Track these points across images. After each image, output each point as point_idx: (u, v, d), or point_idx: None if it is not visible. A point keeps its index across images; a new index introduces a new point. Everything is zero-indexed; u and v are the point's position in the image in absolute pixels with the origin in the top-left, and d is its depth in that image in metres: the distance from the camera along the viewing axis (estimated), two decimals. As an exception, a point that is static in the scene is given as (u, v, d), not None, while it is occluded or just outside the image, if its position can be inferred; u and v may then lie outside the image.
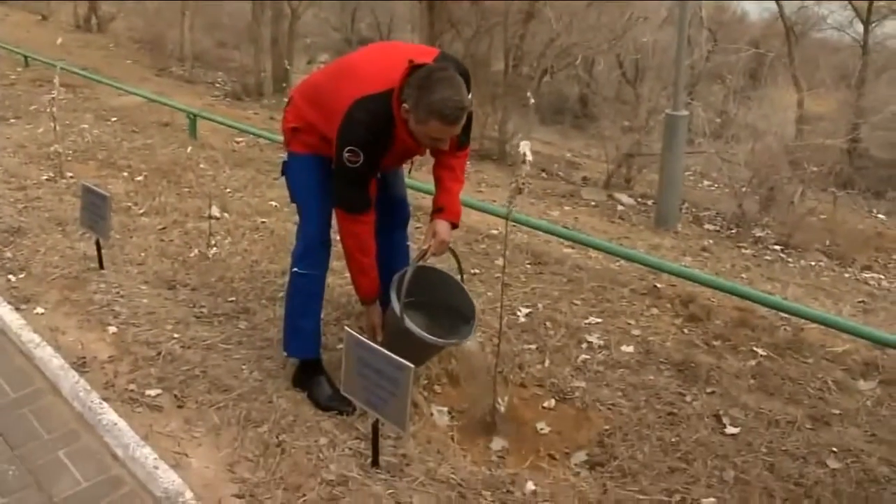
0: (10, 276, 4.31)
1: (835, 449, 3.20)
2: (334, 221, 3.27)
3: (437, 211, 3.25)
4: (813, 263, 7.02)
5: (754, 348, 3.98)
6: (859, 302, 5.41)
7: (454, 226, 3.28)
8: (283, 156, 3.38)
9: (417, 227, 5.00)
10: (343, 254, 3.28)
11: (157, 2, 17.50)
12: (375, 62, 3.12)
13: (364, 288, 3.29)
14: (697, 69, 12.91)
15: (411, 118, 2.90)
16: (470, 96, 3.00)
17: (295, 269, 3.34)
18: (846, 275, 6.81)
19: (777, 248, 7.39)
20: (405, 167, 3.56)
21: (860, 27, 14.67)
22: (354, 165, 2.97)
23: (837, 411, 3.48)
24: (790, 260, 7.04)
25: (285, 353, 3.48)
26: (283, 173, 3.40)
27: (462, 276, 3.45)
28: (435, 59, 3.01)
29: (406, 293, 3.09)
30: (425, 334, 3.09)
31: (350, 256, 3.23)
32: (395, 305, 3.09)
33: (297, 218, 3.38)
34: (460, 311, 3.33)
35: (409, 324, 3.07)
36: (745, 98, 11.39)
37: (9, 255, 4.57)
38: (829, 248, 7.78)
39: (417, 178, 5.15)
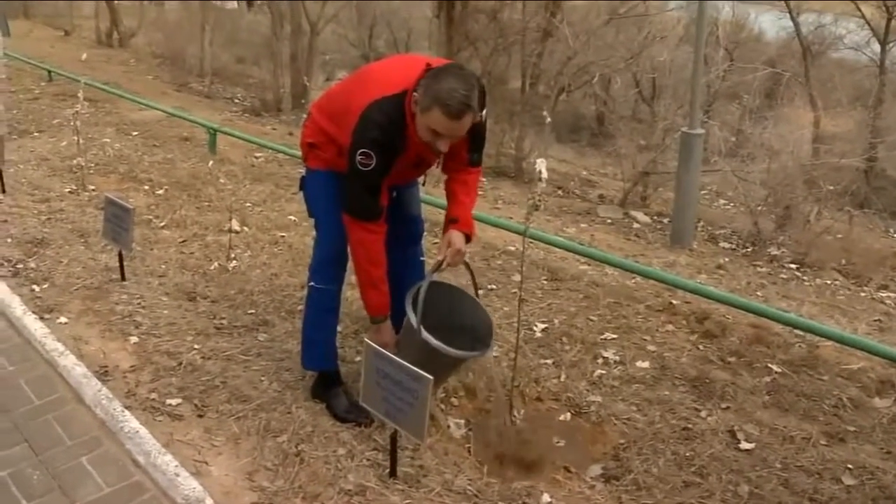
0: (34, 287, 4.39)
1: (850, 465, 3.21)
2: None
3: (452, 222, 3.23)
4: (829, 282, 7.00)
5: (769, 365, 3.99)
6: (875, 321, 5.39)
7: (468, 238, 3.24)
8: (302, 171, 3.43)
9: (435, 243, 5.03)
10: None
11: (178, 17, 17.71)
12: (392, 69, 3.11)
13: (374, 303, 3.19)
14: (714, 88, 12.92)
15: (418, 110, 2.86)
16: (484, 113, 3.01)
17: (311, 284, 3.36)
18: (862, 294, 6.79)
19: (792, 266, 7.37)
20: (420, 181, 3.56)
21: (877, 47, 14.63)
22: (367, 168, 2.92)
23: (853, 428, 3.49)
24: (805, 278, 7.03)
25: (305, 363, 3.52)
26: (301, 188, 3.42)
27: (477, 292, 3.42)
28: None
29: (421, 312, 3.01)
30: (443, 346, 3.01)
31: (359, 267, 3.14)
32: (412, 318, 3.03)
33: (315, 232, 3.42)
34: (476, 330, 3.26)
35: (427, 335, 2.99)
36: (761, 117, 11.36)
37: (32, 265, 4.65)
38: (845, 267, 7.75)
39: (432, 194, 5.19)
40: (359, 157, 2.92)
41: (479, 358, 3.29)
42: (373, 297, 3.18)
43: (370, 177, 2.96)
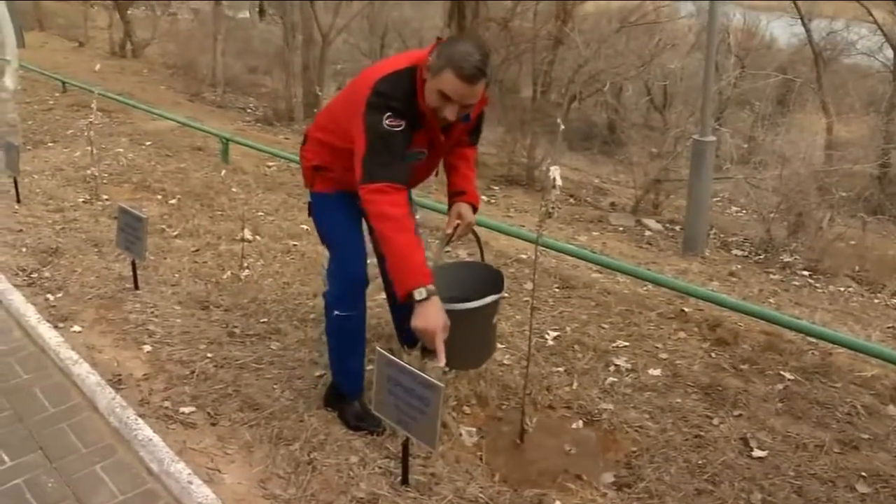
0: (49, 296, 4.42)
1: (864, 473, 3.19)
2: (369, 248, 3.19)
3: (459, 194, 3.18)
4: (842, 289, 6.98)
5: (782, 372, 3.98)
6: (889, 328, 5.38)
7: (474, 209, 3.21)
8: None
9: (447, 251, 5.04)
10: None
11: (190, 28, 17.81)
12: (397, 57, 3.04)
13: (415, 266, 2.76)
14: (725, 95, 12.91)
15: (429, 75, 2.77)
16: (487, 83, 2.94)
17: (336, 313, 3.21)
18: (876, 300, 6.77)
19: (805, 273, 7.35)
20: (430, 179, 3.48)
21: (890, 52, 14.59)
22: (398, 129, 2.77)
23: (866, 436, 3.47)
24: (818, 285, 7.01)
25: (345, 394, 3.37)
26: (310, 215, 3.31)
27: (483, 257, 3.43)
28: None
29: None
30: (462, 304, 2.97)
31: (388, 241, 2.78)
32: None
33: (330, 258, 3.28)
34: (494, 288, 3.17)
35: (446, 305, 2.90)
36: (773, 124, 11.37)
37: (47, 274, 4.68)
38: (859, 273, 7.73)
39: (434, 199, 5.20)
40: (387, 121, 2.77)
41: (499, 298, 3.16)
42: (414, 259, 2.79)
43: (400, 137, 2.81)
